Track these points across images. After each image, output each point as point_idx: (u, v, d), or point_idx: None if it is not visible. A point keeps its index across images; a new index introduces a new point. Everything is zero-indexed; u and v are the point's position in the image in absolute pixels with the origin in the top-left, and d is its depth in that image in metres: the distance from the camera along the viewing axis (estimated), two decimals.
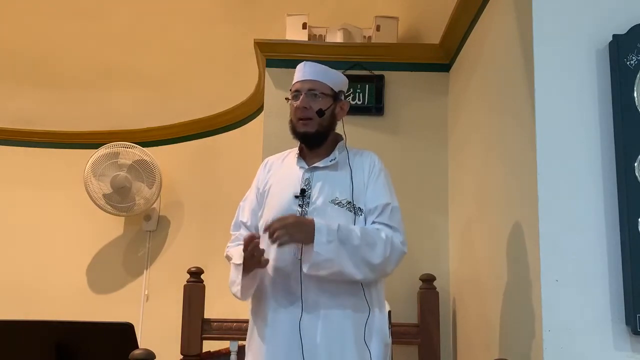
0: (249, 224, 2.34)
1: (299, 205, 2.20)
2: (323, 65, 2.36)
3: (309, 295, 2.14)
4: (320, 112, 2.25)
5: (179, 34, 4.55)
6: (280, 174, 2.34)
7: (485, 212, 3.01)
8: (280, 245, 2.08)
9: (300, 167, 2.30)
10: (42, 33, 4.58)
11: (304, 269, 2.10)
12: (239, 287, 2.17)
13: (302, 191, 2.22)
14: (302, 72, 2.33)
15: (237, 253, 2.21)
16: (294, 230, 2.06)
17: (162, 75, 4.73)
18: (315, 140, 2.29)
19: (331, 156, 2.29)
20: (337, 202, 2.21)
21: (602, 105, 2.34)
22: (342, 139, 2.36)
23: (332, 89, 2.31)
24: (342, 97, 2.34)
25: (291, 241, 2.08)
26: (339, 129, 2.38)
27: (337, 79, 2.35)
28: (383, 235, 2.15)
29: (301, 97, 2.27)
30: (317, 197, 2.21)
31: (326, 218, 2.15)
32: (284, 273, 2.18)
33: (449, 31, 3.56)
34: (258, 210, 2.33)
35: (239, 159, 4.43)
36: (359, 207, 2.21)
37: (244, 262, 2.13)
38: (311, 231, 2.07)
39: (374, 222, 2.20)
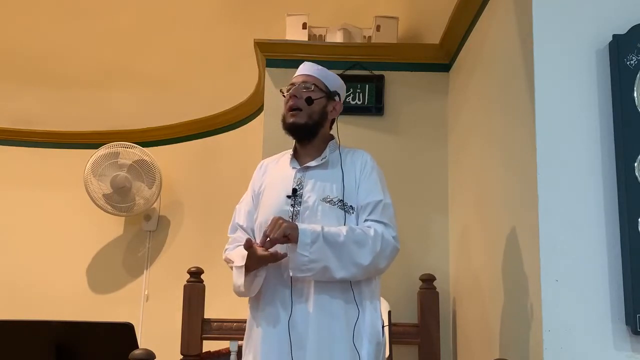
0: (245, 226, 2.35)
1: (291, 205, 2.21)
2: (322, 66, 2.40)
3: (300, 295, 2.16)
4: (309, 100, 2.28)
5: (179, 34, 4.55)
6: (274, 175, 2.36)
7: (485, 212, 3.01)
8: (273, 243, 2.10)
9: (293, 167, 2.32)
10: (42, 33, 4.58)
11: (290, 273, 2.12)
12: (243, 289, 2.19)
13: (294, 191, 2.24)
14: (300, 69, 2.40)
15: (237, 255, 2.22)
16: (286, 228, 2.09)
17: (162, 75, 4.74)
18: (303, 132, 2.30)
19: (322, 155, 2.31)
20: (328, 200, 2.22)
21: (602, 105, 2.34)
22: (334, 138, 2.39)
23: (326, 86, 2.34)
24: (336, 98, 2.36)
25: (282, 239, 2.10)
26: (334, 132, 2.40)
27: (333, 79, 2.39)
28: (372, 232, 2.16)
29: (293, 88, 2.32)
30: (309, 196, 2.23)
31: (317, 217, 2.17)
32: (277, 272, 2.20)
33: (449, 31, 3.57)
34: (254, 213, 2.35)
35: (239, 159, 4.43)
36: (351, 205, 2.22)
37: (246, 264, 2.16)
38: (296, 234, 2.09)
39: (366, 220, 2.21)
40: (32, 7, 4.47)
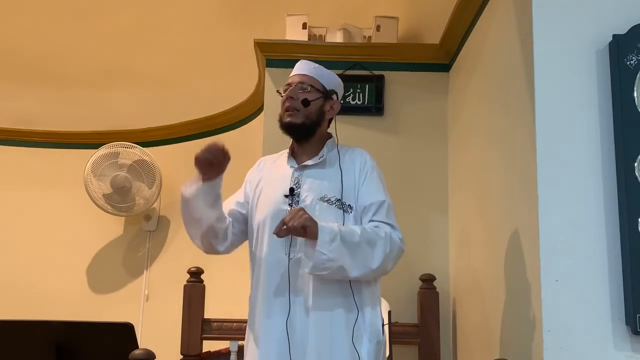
0: (229, 207, 2.34)
1: (289, 204, 2.19)
2: (318, 64, 2.37)
3: (299, 295, 2.14)
4: (305, 102, 2.26)
5: (179, 34, 4.55)
6: (271, 174, 2.35)
7: (485, 212, 3.01)
8: (289, 231, 2.06)
9: (291, 167, 2.31)
10: (42, 33, 4.58)
11: (307, 270, 2.09)
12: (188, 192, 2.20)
13: (291, 190, 2.22)
14: (296, 68, 2.37)
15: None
16: (306, 220, 2.05)
17: (162, 75, 4.74)
18: (300, 132, 2.28)
19: (320, 153, 2.29)
20: (326, 199, 2.21)
21: (602, 105, 2.34)
22: (332, 137, 2.37)
23: (323, 86, 2.32)
24: (334, 97, 2.34)
25: (300, 230, 2.06)
26: (332, 130, 2.38)
27: (330, 78, 2.35)
28: (382, 233, 2.15)
29: (290, 89, 2.30)
30: (307, 195, 2.21)
31: (315, 216, 2.15)
32: (277, 271, 2.18)
33: (449, 31, 3.57)
34: (243, 203, 2.35)
35: (239, 159, 4.39)
36: (349, 205, 2.21)
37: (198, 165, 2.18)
38: (315, 230, 2.06)
39: (371, 220, 2.20)
40: (32, 7, 4.47)
